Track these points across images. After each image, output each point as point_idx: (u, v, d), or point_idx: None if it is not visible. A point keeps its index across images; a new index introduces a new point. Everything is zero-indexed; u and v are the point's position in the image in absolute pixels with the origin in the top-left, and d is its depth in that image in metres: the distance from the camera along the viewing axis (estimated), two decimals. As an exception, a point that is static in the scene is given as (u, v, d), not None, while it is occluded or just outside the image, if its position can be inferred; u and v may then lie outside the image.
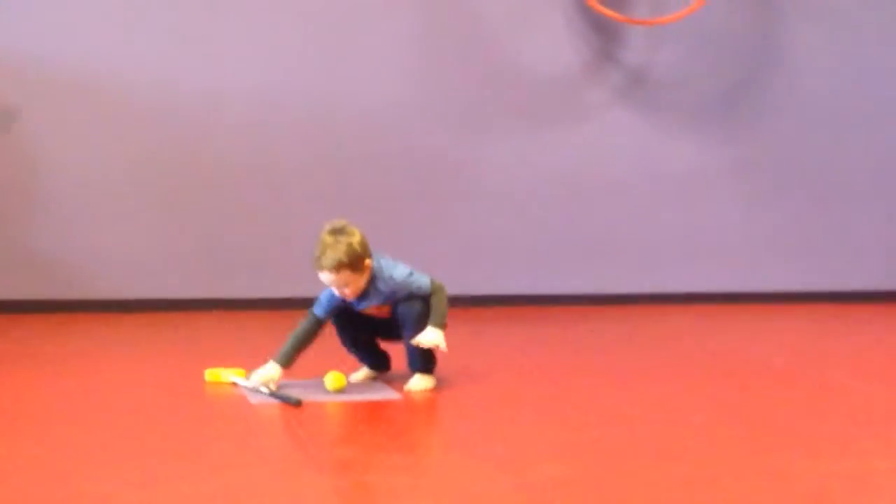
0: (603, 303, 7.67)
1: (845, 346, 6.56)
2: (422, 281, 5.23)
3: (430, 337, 5.20)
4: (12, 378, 5.45)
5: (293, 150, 7.45)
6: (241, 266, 7.46)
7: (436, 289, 5.26)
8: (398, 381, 5.34)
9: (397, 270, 5.21)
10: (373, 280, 5.20)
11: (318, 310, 5.27)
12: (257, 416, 4.85)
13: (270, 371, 5.17)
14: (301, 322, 5.26)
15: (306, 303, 6.65)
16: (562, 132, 7.69)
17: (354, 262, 5.10)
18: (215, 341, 6.56)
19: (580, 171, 7.69)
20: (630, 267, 7.81)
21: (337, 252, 5.08)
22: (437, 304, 5.25)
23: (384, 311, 5.31)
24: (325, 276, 5.12)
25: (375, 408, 5.02)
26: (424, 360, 5.32)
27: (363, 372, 5.48)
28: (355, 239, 5.13)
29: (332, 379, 5.17)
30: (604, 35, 7.69)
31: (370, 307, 5.28)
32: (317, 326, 5.27)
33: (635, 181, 7.76)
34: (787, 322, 7.33)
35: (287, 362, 5.20)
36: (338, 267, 5.08)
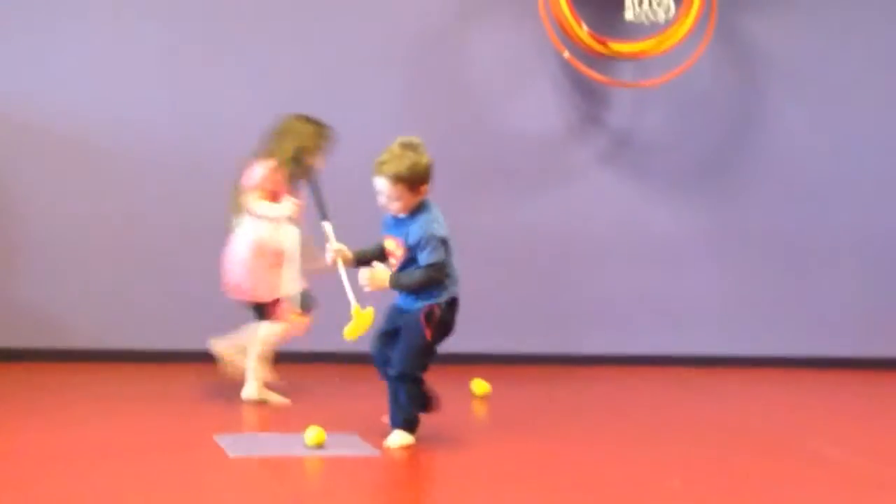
0: (581, 363, 7.69)
1: (822, 413, 6.60)
2: (432, 255, 5.16)
3: (373, 277, 5.20)
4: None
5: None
6: (224, 318, 7.44)
7: (428, 265, 5.17)
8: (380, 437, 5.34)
9: (433, 227, 5.18)
10: (414, 214, 5.19)
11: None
12: (236, 471, 4.86)
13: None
14: None
15: (290, 356, 6.67)
16: (546, 193, 7.74)
17: (413, 179, 5.15)
18: (195, 395, 6.55)
19: (563, 233, 7.72)
20: (609, 329, 7.83)
21: (400, 164, 5.13)
22: (415, 272, 5.19)
23: (399, 254, 5.24)
24: (380, 183, 5.15)
25: (353, 465, 5.03)
26: (405, 416, 5.32)
27: None
28: (423, 159, 5.19)
29: (312, 435, 5.18)
30: (590, 98, 7.75)
31: (394, 239, 5.23)
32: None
33: (617, 244, 7.79)
34: (765, 387, 7.35)
35: (357, 257, 5.37)
36: (396, 178, 5.12)
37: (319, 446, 5.17)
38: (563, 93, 7.74)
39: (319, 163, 6.16)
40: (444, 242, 5.22)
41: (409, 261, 5.24)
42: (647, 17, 7.31)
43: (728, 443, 5.69)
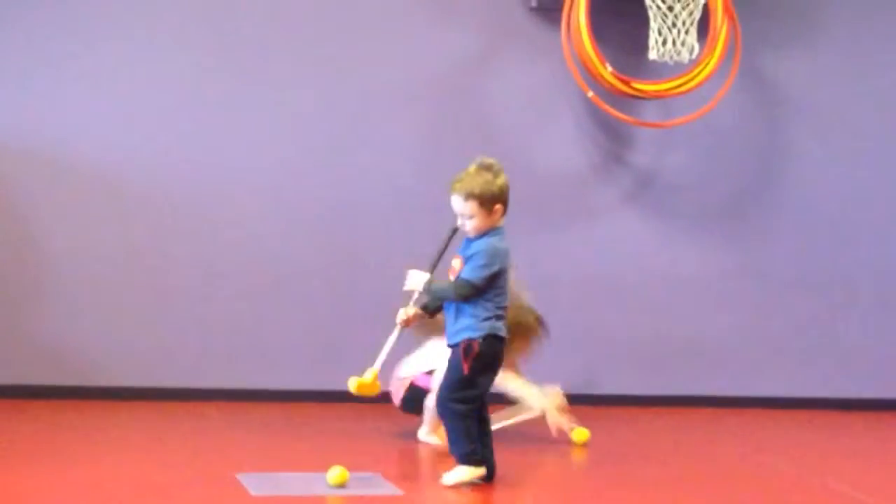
0: (605, 404, 7.65)
1: (847, 456, 6.56)
2: (475, 273, 5.22)
3: (413, 276, 5.32)
4: (17, 468, 5.42)
5: (299, 240, 7.49)
6: (246, 356, 7.46)
7: (463, 282, 5.23)
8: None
9: (492, 248, 5.26)
10: (487, 235, 5.29)
11: None
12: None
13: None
14: None
15: (313, 395, 6.69)
16: (570, 233, 7.74)
17: (486, 198, 5.25)
18: (217, 433, 6.54)
19: (587, 272, 7.72)
20: (634, 368, 7.81)
21: (475, 182, 5.24)
22: (449, 287, 5.28)
23: (457, 270, 5.30)
24: (455, 200, 5.25)
25: (375, 504, 5.02)
26: (459, 452, 5.27)
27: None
28: (498, 179, 5.32)
29: (335, 474, 5.16)
30: (614, 137, 7.76)
31: (459, 258, 5.31)
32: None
33: (641, 284, 7.78)
34: (791, 428, 7.33)
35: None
36: (468, 196, 5.22)
37: (342, 486, 5.15)
38: (587, 132, 7.76)
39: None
40: (495, 271, 5.27)
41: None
42: (670, 56, 7.32)
43: (755, 483, 5.67)
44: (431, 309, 5.42)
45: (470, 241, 5.33)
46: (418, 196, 7.52)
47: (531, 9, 7.63)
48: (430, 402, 6.14)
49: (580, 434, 6.29)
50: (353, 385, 5.33)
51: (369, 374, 5.35)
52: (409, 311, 5.41)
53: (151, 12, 7.43)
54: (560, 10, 7.32)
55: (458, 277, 5.28)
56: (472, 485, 5.25)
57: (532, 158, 7.71)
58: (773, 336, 7.91)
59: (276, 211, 7.48)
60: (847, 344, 7.96)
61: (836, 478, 5.83)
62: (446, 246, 5.42)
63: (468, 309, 5.26)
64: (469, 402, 5.28)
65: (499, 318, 5.32)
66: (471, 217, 5.25)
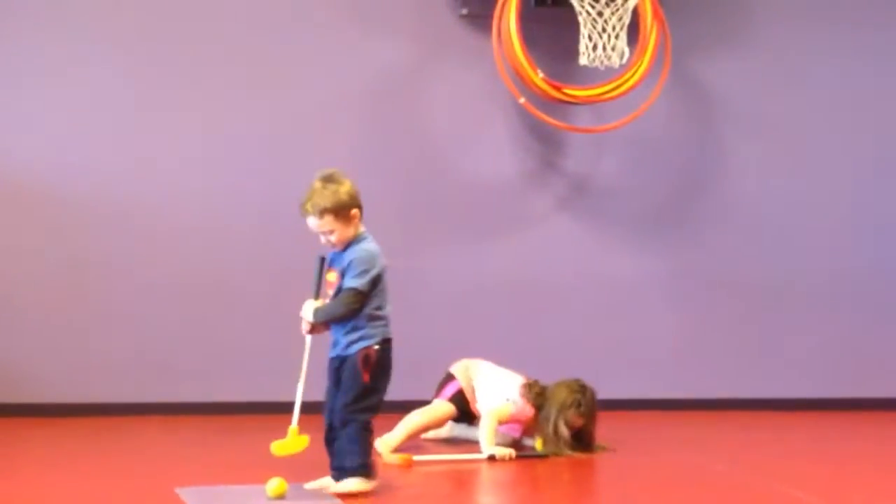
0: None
1: (782, 455, 6.63)
2: (355, 279, 5.20)
3: (304, 309, 5.28)
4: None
5: (236, 253, 7.50)
6: (184, 369, 7.43)
7: (351, 293, 5.21)
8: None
9: (364, 254, 5.24)
10: (355, 243, 5.26)
11: None
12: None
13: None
14: None
15: (248, 407, 6.68)
16: (503, 239, 7.79)
17: (339, 209, 5.21)
18: (157, 447, 6.51)
19: (521, 278, 7.77)
20: (568, 373, 7.82)
21: (323, 198, 5.20)
22: (337, 302, 5.25)
23: (334, 284, 5.28)
24: (310, 221, 5.23)
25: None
26: (355, 462, 5.25)
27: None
28: (343, 187, 5.26)
29: (274, 486, 5.15)
30: (546, 143, 7.82)
31: (335, 271, 5.29)
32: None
33: (576, 289, 7.85)
34: (724, 429, 7.40)
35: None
36: (322, 213, 5.19)
37: (281, 497, 5.15)
38: (520, 138, 7.81)
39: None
40: (375, 274, 5.26)
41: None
42: (601, 62, 7.38)
43: (692, 485, 5.71)
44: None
45: (340, 252, 5.30)
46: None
47: (461, 16, 7.68)
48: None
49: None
50: (275, 449, 5.26)
51: (289, 434, 5.29)
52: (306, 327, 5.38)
53: (85, 27, 7.46)
54: (490, 17, 7.38)
55: (341, 288, 5.25)
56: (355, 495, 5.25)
57: (465, 165, 7.75)
58: (708, 338, 7.99)
59: (213, 225, 7.49)
60: (782, 344, 8.05)
61: (776, 478, 5.89)
62: (321, 276, 5.37)
63: (358, 318, 5.26)
64: (372, 409, 5.29)
65: (385, 320, 5.34)
66: (331, 232, 5.23)
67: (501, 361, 7.53)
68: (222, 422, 7.20)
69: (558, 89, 7.42)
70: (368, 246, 5.28)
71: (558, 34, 7.54)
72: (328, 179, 5.26)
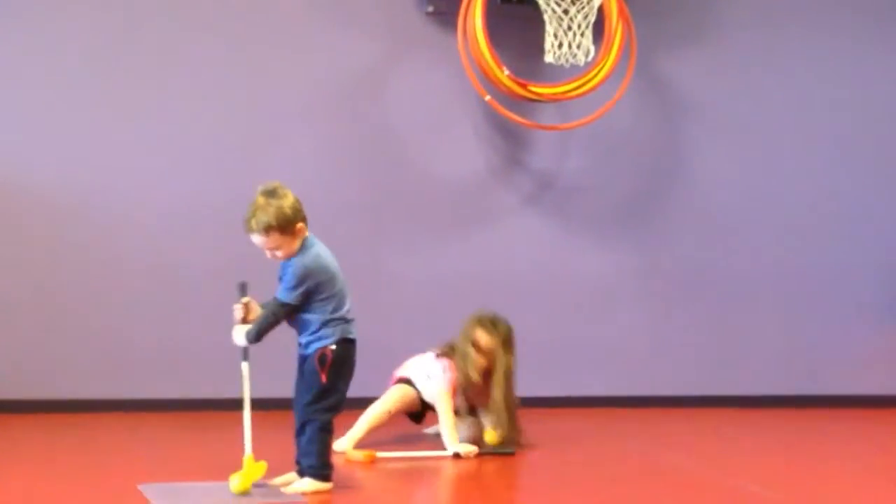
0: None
1: (747, 451, 6.69)
2: (285, 293, 5.23)
3: (235, 334, 5.29)
4: None
5: (194, 250, 7.51)
6: (143, 366, 7.45)
7: (275, 306, 5.26)
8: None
9: (302, 263, 5.23)
10: (298, 253, 5.25)
11: None
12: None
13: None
14: None
15: (211, 403, 6.70)
16: (469, 236, 7.83)
17: (284, 225, 5.18)
18: (119, 444, 6.52)
19: (486, 275, 7.81)
20: (536, 370, 7.87)
21: (266, 214, 5.17)
22: (264, 313, 5.28)
23: None
24: (255, 239, 5.22)
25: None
26: (313, 462, 5.29)
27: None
28: (286, 202, 5.21)
29: (237, 482, 5.17)
30: (512, 141, 7.86)
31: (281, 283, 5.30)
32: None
33: (541, 285, 7.90)
34: (692, 426, 7.47)
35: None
36: (266, 229, 5.17)
37: (245, 493, 5.17)
38: (486, 136, 7.84)
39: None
40: (309, 287, 5.25)
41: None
42: (566, 59, 7.42)
43: (659, 481, 5.76)
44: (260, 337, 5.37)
45: (283, 264, 5.32)
46: (318, 204, 7.53)
47: (427, 14, 7.72)
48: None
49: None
50: (236, 487, 5.25)
51: (245, 464, 5.28)
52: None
53: (53, 29, 7.45)
54: (456, 14, 7.41)
55: (273, 300, 5.30)
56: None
57: (431, 163, 7.78)
58: (673, 335, 8.05)
59: (172, 221, 7.51)
60: (746, 341, 8.12)
61: (735, 473, 5.96)
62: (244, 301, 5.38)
63: (313, 320, 5.29)
64: (333, 409, 5.33)
65: (346, 321, 5.36)
66: (277, 248, 5.23)
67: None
68: (183, 418, 7.22)
69: (524, 87, 7.45)
70: (306, 259, 5.26)
71: (524, 32, 7.58)
72: (271, 194, 5.22)
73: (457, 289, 7.79)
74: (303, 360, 5.36)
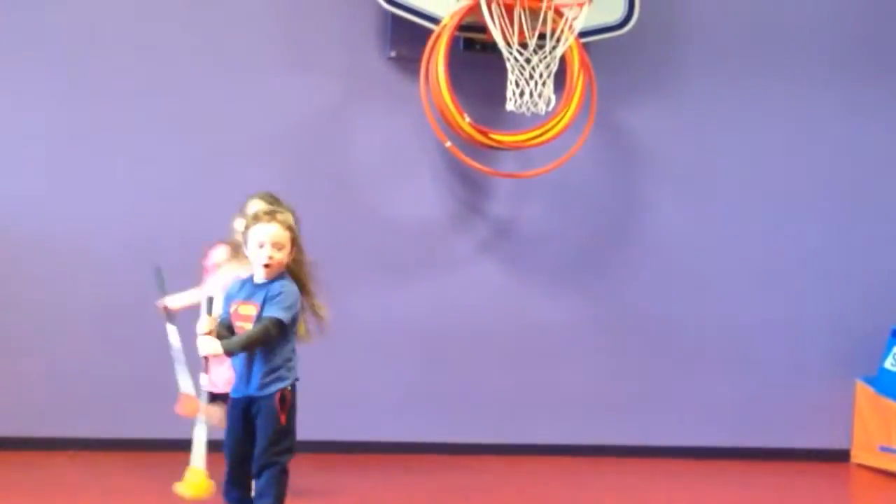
0: (462, 452, 7.76)
1: (700, 502, 6.71)
2: (282, 312, 5.15)
3: (206, 344, 5.13)
4: None
5: (150, 287, 7.47)
6: (95, 404, 7.43)
7: (270, 324, 5.14)
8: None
9: (287, 289, 5.20)
10: (281, 278, 5.23)
11: (222, 317, 5.26)
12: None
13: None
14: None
15: (157, 444, 6.64)
16: (426, 283, 7.87)
17: (295, 233, 5.25)
18: (63, 483, 6.49)
19: (443, 322, 7.85)
20: (493, 418, 7.93)
21: (288, 216, 5.22)
22: (253, 330, 5.16)
23: (252, 315, 5.20)
24: (272, 229, 5.17)
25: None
26: (268, 499, 5.27)
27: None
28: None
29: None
30: (471, 187, 7.91)
31: (250, 304, 5.20)
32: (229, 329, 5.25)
33: (497, 333, 7.94)
34: (644, 476, 7.51)
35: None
36: (289, 227, 5.20)
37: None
38: (445, 182, 7.90)
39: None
40: (296, 313, 5.25)
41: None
42: (528, 108, 7.47)
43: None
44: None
45: (258, 285, 5.25)
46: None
47: (390, 59, 7.77)
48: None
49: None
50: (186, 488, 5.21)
51: (190, 473, 5.26)
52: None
53: (14, 54, 7.49)
54: (419, 60, 7.46)
55: (265, 317, 5.17)
56: None
57: (390, 207, 7.82)
58: (626, 384, 8.09)
59: (127, 257, 7.50)
60: (700, 392, 8.17)
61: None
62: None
63: (273, 358, 5.23)
64: (292, 450, 5.29)
65: (295, 361, 5.32)
66: (281, 249, 5.23)
67: (422, 403, 7.62)
68: (128, 458, 7.19)
69: (484, 134, 7.50)
70: (293, 287, 5.29)
71: (486, 79, 7.64)
72: (276, 200, 5.29)
73: (412, 333, 7.82)
74: (248, 401, 5.27)
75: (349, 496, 6.50)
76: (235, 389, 5.25)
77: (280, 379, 5.22)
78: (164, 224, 7.56)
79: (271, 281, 5.22)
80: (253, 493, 5.30)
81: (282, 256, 5.20)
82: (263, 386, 5.22)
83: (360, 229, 7.80)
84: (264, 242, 5.18)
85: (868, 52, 8.37)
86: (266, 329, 5.13)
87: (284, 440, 5.25)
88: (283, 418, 5.23)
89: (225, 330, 5.22)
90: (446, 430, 7.85)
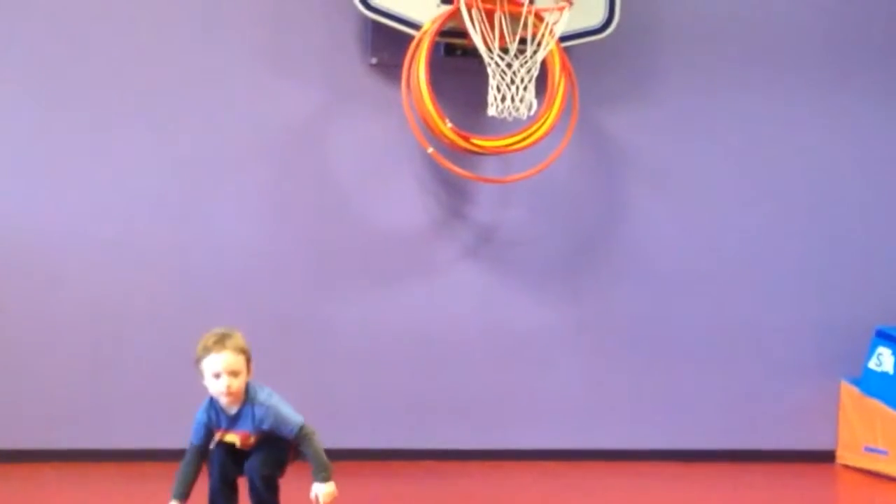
0: (446, 458, 7.77)
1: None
2: (294, 419, 5.32)
3: (326, 491, 5.31)
4: None
5: (140, 296, 7.52)
6: (85, 415, 7.43)
7: (308, 433, 5.35)
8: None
9: (273, 399, 5.30)
10: (249, 401, 5.27)
11: (194, 438, 5.35)
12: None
13: None
14: (184, 458, 5.37)
15: (147, 454, 6.64)
16: (409, 289, 7.88)
17: (248, 354, 5.33)
18: (53, 496, 6.49)
19: (426, 328, 7.87)
20: (475, 423, 7.94)
21: (238, 340, 5.31)
22: (318, 454, 5.38)
23: (249, 442, 5.34)
24: (224, 357, 5.26)
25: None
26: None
27: None
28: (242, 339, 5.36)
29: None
30: (454, 193, 7.93)
31: (238, 433, 5.31)
32: (197, 456, 5.35)
33: (482, 339, 7.96)
34: (630, 480, 7.53)
35: (183, 495, 5.29)
36: (242, 350, 5.30)
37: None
38: (428, 188, 7.90)
39: None
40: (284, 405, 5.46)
41: (265, 440, 5.44)
42: (509, 113, 7.48)
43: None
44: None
45: (234, 416, 5.38)
46: (258, 253, 7.61)
47: (371, 65, 7.79)
48: None
49: None
50: None
51: None
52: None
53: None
54: (400, 66, 7.47)
55: (298, 433, 5.37)
56: None
57: (372, 214, 7.84)
58: (613, 388, 8.12)
59: (117, 266, 7.52)
60: (686, 395, 8.20)
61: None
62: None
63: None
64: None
65: None
66: (237, 374, 5.31)
67: (407, 410, 7.62)
68: (121, 469, 7.20)
69: (466, 139, 7.51)
70: (269, 399, 5.40)
71: (467, 85, 7.66)
72: (228, 330, 5.37)
73: (395, 340, 7.83)
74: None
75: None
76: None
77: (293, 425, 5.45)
78: (148, 230, 7.56)
79: (244, 405, 5.33)
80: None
81: (239, 382, 5.29)
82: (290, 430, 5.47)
83: (342, 236, 7.81)
84: (219, 372, 5.25)
85: (850, 52, 8.41)
86: (312, 438, 5.39)
87: (282, 465, 5.38)
88: (292, 454, 5.39)
89: (197, 456, 5.39)
90: (428, 437, 7.85)
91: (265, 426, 5.32)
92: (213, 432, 5.38)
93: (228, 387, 5.25)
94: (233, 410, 5.34)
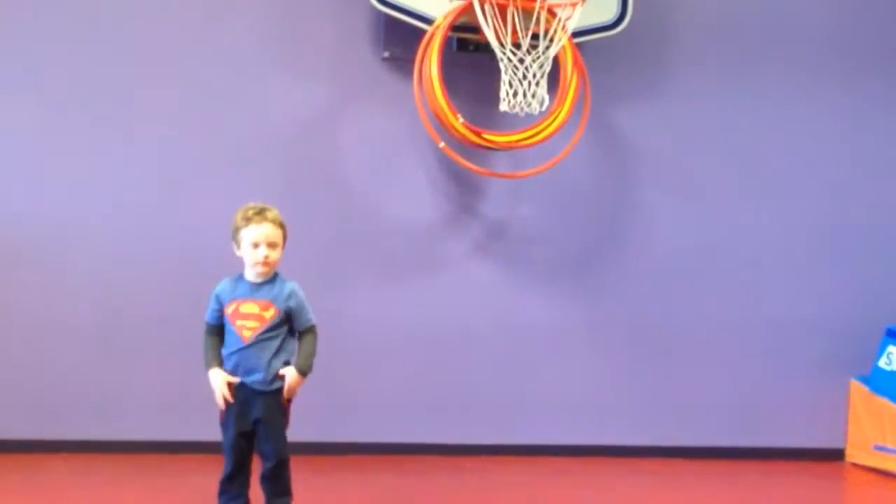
0: (458, 453, 7.79)
1: (697, 501, 6.73)
2: (311, 314, 5.47)
3: (294, 378, 5.36)
4: None
5: (148, 290, 7.55)
6: (92, 406, 7.44)
7: (316, 332, 5.50)
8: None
9: (297, 288, 5.48)
10: (279, 277, 5.44)
11: (209, 317, 5.48)
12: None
13: (219, 376, 5.35)
14: (204, 336, 5.49)
15: (157, 446, 6.65)
16: (421, 284, 7.89)
17: (285, 229, 5.45)
18: (58, 487, 6.50)
19: (437, 323, 7.88)
20: (483, 419, 7.95)
21: (277, 213, 5.44)
22: (311, 352, 5.46)
23: (267, 316, 5.32)
24: (265, 228, 5.38)
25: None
26: (289, 496, 5.38)
27: None
28: None
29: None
30: (465, 188, 7.93)
31: (258, 302, 5.30)
32: (215, 331, 5.46)
33: (492, 334, 7.97)
34: (639, 477, 7.53)
35: (219, 362, 5.40)
36: (280, 224, 5.42)
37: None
38: (439, 183, 7.91)
39: None
40: None
41: (277, 325, 5.40)
42: (521, 108, 7.48)
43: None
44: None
45: (258, 284, 5.43)
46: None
47: (383, 59, 7.80)
48: None
49: None
50: None
51: None
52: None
53: (2, 62, 7.45)
54: (412, 61, 7.49)
55: (310, 326, 5.43)
56: None
57: (383, 208, 7.85)
58: (622, 385, 8.13)
59: (125, 260, 7.55)
60: (695, 392, 8.22)
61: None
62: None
63: (283, 354, 5.39)
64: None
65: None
66: (275, 246, 5.41)
67: (418, 404, 7.64)
68: (131, 460, 7.21)
69: (478, 134, 7.53)
70: (296, 284, 5.48)
71: (479, 80, 7.67)
72: (267, 205, 5.48)
73: (405, 335, 7.84)
74: (251, 393, 5.38)
75: (342, 498, 6.52)
76: (243, 374, 5.43)
77: (282, 377, 5.36)
78: (159, 227, 7.58)
79: (271, 280, 5.33)
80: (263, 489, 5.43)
81: (277, 255, 5.33)
82: (273, 380, 5.34)
83: (354, 231, 7.83)
84: (259, 242, 5.28)
85: (860, 52, 8.42)
86: (315, 339, 5.49)
87: (284, 436, 5.39)
88: (287, 417, 5.37)
89: (215, 332, 5.35)
90: (440, 431, 7.86)
91: (292, 303, 5.40)
92: (224, 309, 5.44)
93: (266, 256, 5.36)
94: (259, 281, 5.37)
